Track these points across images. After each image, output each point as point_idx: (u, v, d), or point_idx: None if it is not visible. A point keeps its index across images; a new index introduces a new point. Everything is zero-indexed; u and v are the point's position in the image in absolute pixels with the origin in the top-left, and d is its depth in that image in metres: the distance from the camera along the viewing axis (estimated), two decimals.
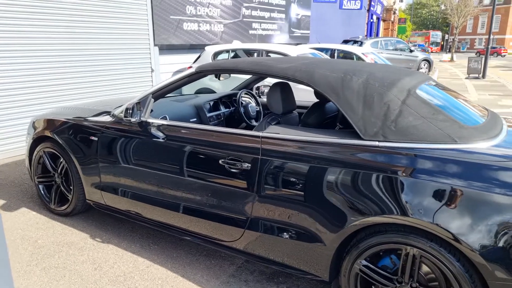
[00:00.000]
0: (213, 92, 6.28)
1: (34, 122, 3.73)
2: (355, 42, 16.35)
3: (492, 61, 25.40)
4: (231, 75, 5.27)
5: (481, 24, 65.59)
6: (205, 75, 2.98)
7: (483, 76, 18.01)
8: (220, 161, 2.56)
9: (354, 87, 2.30)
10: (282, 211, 2.36)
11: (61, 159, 3.48)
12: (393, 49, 17.12)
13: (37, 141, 3.65)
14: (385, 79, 2.36)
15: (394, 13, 39.45)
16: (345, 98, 2.28)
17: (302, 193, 2.28)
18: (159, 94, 3.06)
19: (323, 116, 3.31)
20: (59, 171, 3.56)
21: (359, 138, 2.18)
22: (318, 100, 3.41)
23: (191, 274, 2.82)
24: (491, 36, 18.62)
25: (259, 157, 2.42)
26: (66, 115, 3.48)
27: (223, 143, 2.58)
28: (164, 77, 8.19)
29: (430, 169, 1.96)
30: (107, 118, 3.19)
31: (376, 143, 2.12)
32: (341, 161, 2.17)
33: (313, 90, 3.34)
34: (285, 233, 2.39)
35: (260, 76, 3.11)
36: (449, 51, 47.95)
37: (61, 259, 2.95)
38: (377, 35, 28.23)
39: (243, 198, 2.51)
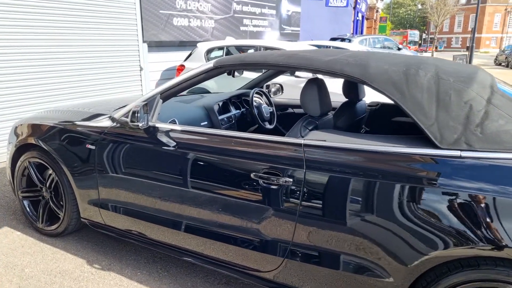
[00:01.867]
0: (207, 92, 5.81)
1: (16, 128, 3.20)
2: (342, 39, 16.03)
3: (473, 60, 25.60)
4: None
5: (457, 23, 66.50)
6: (224, 71, 2.53)
7: None
8: (252, 175, 2.11)
9: (423, 83, 1.89)
10: (334, 236, 1.93)
11: (50, 171, 2.98)
12: (381, 47, 16.88)
13: (20, 149, 3.13)
14: (458, 73, 1.95)
15: (377, 11, 39.51)
16: (412, 97, 1.86)
17: (362, 215, 1.85)
18: (169, 94, 2.59)
19: (354, 117, 2.92)
20: (47, 185, 3.05)
21: (434, 146, 1.76)
22: (347, 99, 3.01)
23: None
24: (474, 35, 18.60)
25: (303, 170, 1.98)
26: (54, 119, 2.97)
27: (255, 152, 2.13)
28: (154, 76, 7.67)
29: None
30: (105, 123, 2.71)
31: (458, 153, 1.71)
32: (412, 176, 1.75)
33: (342, 88, 2.97)
34: (337, 264, 1.95)
35: (296, 71, 2.66)
36: (428, 50, 48.36)
37: None
38: (361, 33, 28.06)
39: (282, 220, 2.06)
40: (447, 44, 67.09)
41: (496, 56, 30.61)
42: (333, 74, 2.09)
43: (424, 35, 68.81)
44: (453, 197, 1.66)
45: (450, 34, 67.84)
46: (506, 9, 59.87)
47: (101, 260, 2.82)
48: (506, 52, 28.34)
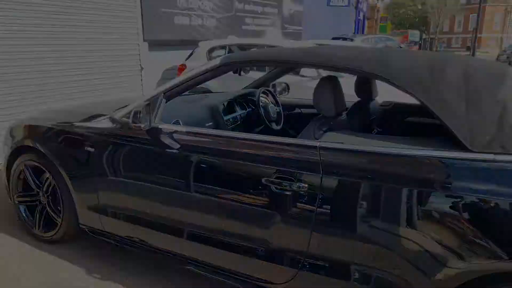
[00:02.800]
0: (209, 91, 5.65)
1: (12, 129, 3.06)
2: (344, 39, 15.88)
3: None
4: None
5: (457, 23, 66.35)
6: (232, 69, 2.38)
7: None
8: (263, 180, 1.96)
9: (451, 81, 1.74)
10: (354, 247, 1.78)
11: (47, 174, 2.83)
12: (383, 47, 16.74)
13: (16, 152, 2.98)
14: (488, 69, 1.81)
15: (378, 11, 39.44)
16: (439, 96, 1.71)
17: (384, 224, 1.70)
18: (172, 93, 2.44)
19: (366, 117, 2.78)
20: (44, 189, 2.90)
21: (465, 149, 1.62)
22: (360, 98, 2.87)
23: None
24: (477, 35, 18.48)
25: (320, 174, 1.83)
26: (52, 120, 2.82)
27: (266, 155, 1.98)
28: (154, 76, 7.52)
29: None
30: (105, 124, 2.56)
31: (492, 157, 1.56)
32: (441, 181, 1.61)
33: (355, 86, 2.83)
34: (357, 278, 1.81)
35: (311, 68, 2.52)
36: (429, 50, 48.26)
37: None
38: (362, 33, 27.93)
39: (295, 229, 1.92)
40: (448, 44, 66.91)
41: (498, 56, 30.49)
42: (352, 71, 1.95)
43: (424, 35, 68.77)
44: (488, 204, 1.52)
45: (450, 34, 67.66)
46: (506, 9, 59.75)
47: (101, 268, 2.67)
48: (507, 51, 28.22)
